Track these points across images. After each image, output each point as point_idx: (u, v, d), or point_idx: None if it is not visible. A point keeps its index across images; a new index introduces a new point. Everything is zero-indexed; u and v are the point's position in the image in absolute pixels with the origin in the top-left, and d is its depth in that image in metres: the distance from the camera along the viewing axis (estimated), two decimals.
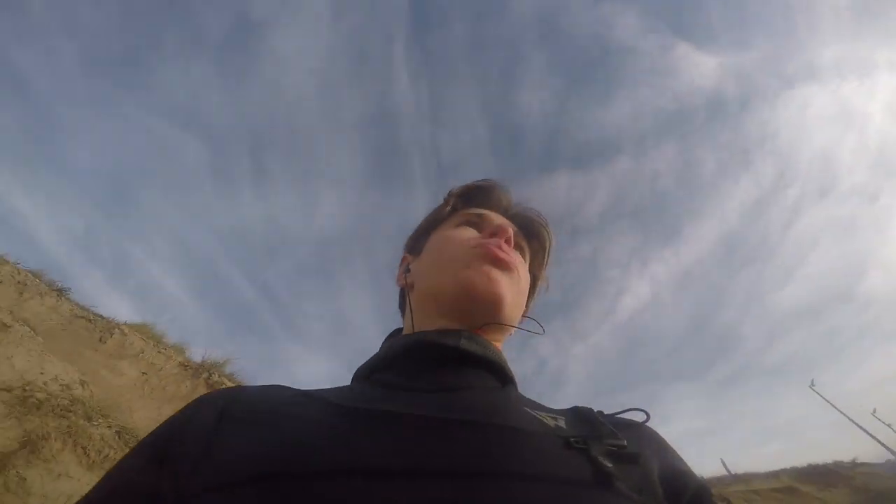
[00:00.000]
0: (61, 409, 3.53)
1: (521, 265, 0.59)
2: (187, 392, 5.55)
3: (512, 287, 0.54)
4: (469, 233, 0.60)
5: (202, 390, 5.44)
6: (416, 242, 0.68)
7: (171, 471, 0.34)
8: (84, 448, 3.33)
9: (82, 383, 4.16)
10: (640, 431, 0.44)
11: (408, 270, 0.63)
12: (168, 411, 3.71)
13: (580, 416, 0.43)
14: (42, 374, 3.84)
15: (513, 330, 0.57)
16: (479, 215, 0.64)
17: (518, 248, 0.62)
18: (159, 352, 6.09)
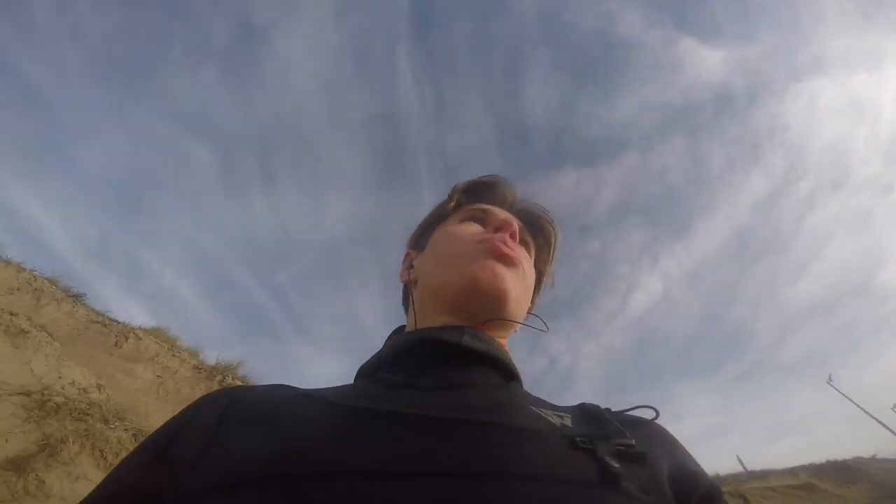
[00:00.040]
0: (79, 413, 3.59)
1: (527, 261, 0.58)
2: (202, 394, 5.61)
3: (517, 283, 0.53)
4: (473, 228, 0.59)
5: None
6: (420, 238, 0.67)
7: (171, 471, 0.34)
8: (101, 451, 3.38)
9: (99, 387, 4.23)
10: (648, 429, 0.43)
11: (411, 266, 0.63)
12: None
13: (587, 414, 0.42)
14: (60, 378, 3.92)
15: (518, 327, 0.56)
16: (484, 210, 0.63)
17: (523, 243, 0.61)
18: (174, 355, 6.18)
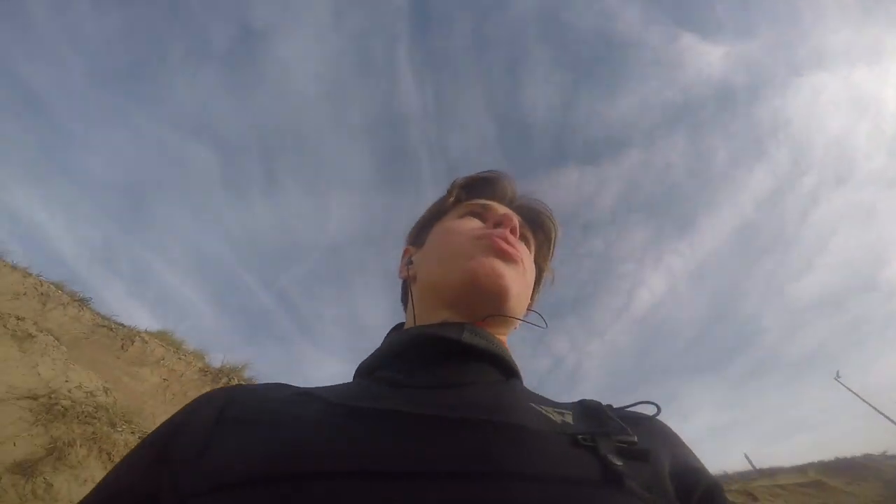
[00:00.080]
0: (86, 416, 3.62)
1: (527, 257, 0.57)
2: None
3: (517, 279, 0.52)
4: (473, 223, 0.59)
5: None
6: (419, 234, 0.66)
7: (170, 471, 0.34)
8: (108, 454, 3.40)
9: (105, 390, 4.26)
10: (650, 426, 0.42)
11: (410, 262, 0.62)
12: None
13: (587, 411, 0.41)
14: (67, 381, 3.95)
15: (518, 323, 0.56)
16: (484, 206, 0.62)
17: (523, 239, 0.61)
18: (179, 358, 6.22)
